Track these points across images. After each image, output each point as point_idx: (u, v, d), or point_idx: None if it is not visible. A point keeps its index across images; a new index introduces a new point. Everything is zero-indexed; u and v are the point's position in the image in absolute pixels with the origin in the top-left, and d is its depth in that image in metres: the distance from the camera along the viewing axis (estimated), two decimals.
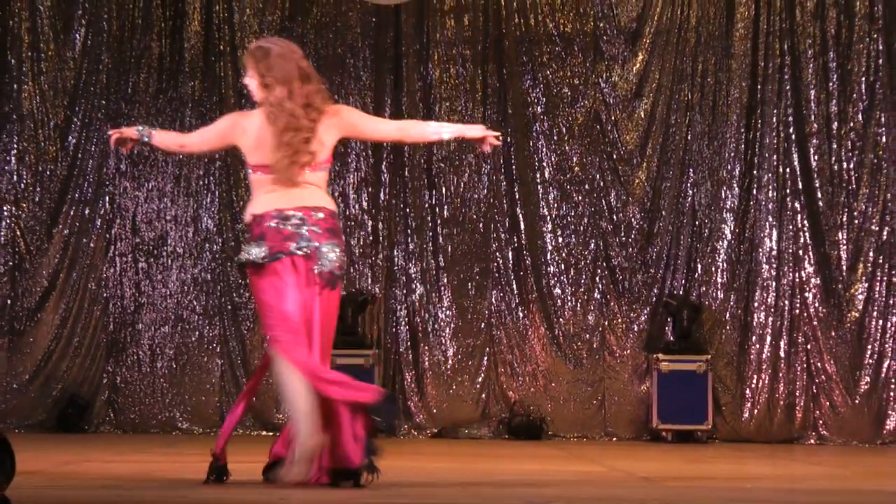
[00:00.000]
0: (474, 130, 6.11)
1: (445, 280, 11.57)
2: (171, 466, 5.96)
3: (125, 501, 5.22)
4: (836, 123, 11.45)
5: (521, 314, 11.53)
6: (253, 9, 11.66)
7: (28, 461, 5.80)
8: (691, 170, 11.59)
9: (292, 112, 5.72)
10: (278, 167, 5.72)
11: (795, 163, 11.46)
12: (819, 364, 11.31)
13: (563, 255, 11.58)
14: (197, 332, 11.47)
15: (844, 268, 11.40)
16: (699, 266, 11.51)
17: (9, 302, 11.42)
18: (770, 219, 11.46)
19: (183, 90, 11.60)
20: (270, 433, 10.72)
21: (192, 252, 11.54)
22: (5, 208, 11.45)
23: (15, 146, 11.49)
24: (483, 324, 11.55)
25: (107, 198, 11.57)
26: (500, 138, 6.28)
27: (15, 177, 11.49)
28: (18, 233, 11.46)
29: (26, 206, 11.49)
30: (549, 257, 11.58)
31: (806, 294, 11.40)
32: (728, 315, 11.44)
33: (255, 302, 5.94)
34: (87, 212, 11.53)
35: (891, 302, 11.35)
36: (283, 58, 5.79)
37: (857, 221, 11.41)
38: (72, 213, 11.52)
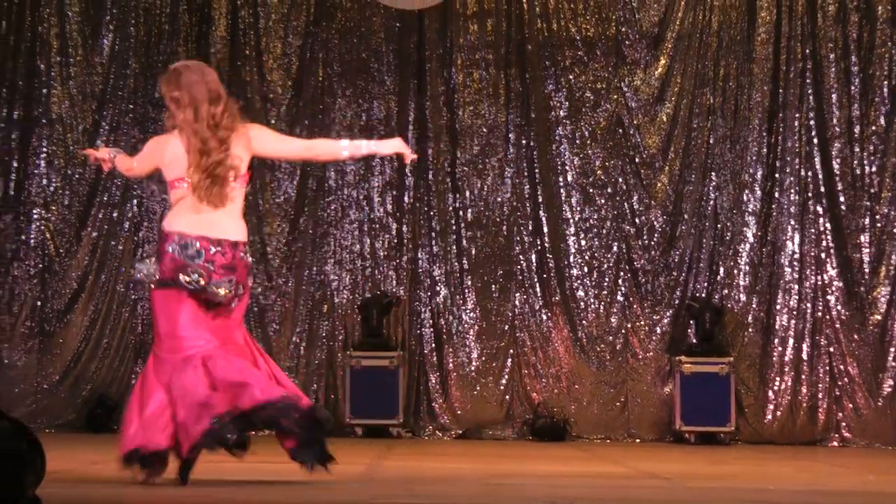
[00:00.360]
0: (390, 147, 6.20)
1: (469, 282, 11.62)
2: (196, 466, 6.03)
3: (152, 500, 5.29)
4: (857, 127, 11.46)
5: (544, 316, 11.57)
6: (278, 14, 11.74)
7: (58, 461, 5.87)
8: (713, 173, 11.61)
9: (202, 136, 5.85)
10: (199, 186, 5.84)
11: (817, 166, 11.47)
12: (841, 366, 11.31)
13: (586, 257, 11.62)
14: None
15: (867, 271, 11.39)
16: (721, 269, 11.53)
17: (38, 304, 11.52)
18: (792, 222, 11.47)
19: None
20: None
21: None
22: (35, 211, 11.55)
23: (44, 150, 11.60)
24: (507, 326, 11.59)
25: (134, 201, 11.66)
26: (419, 155, 6.35)
27: (44, 180, 11.59)
28: (48, 235, 11.56)
29: (55, 209, 11.59)
30: (572, 260, 11.61)
31: (828, 297, 11.41)
32: (750, 317, 11.45)
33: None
34: (115, 215, 11.62)
35: None
36: (192, 81, 5.92)
37: (879, 225, 11.42)
38: (100, 215, 11.61)
